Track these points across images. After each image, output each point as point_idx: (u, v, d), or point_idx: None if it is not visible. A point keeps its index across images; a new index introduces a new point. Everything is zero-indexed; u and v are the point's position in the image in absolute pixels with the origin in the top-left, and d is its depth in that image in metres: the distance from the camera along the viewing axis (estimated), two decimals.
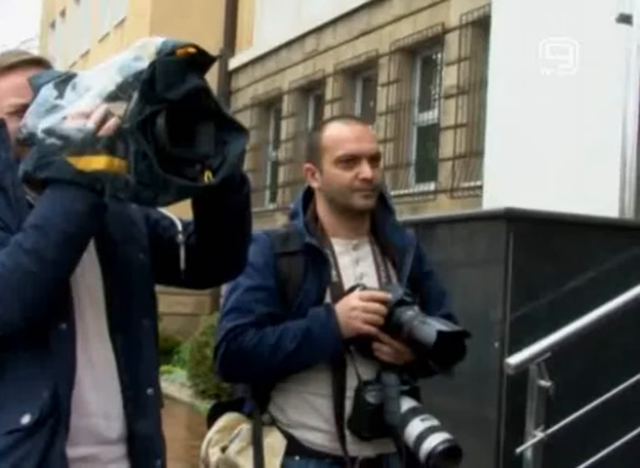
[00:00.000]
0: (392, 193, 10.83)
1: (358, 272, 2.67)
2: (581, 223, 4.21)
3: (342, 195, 2.65)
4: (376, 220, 2.75)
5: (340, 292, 2.61)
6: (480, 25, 9.94)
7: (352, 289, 2.60)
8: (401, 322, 2.51)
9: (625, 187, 4.91)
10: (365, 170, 2.62)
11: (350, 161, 2.62)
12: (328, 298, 2.61)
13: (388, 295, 2.56)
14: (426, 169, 11.38)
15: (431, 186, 10.89)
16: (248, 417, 2.66)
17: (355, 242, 2.70)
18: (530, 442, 3.54)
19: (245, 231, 2.10)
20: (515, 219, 4.00)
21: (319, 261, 2.62)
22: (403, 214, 9.13)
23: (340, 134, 2.66)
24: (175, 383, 12.77)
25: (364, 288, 2.60)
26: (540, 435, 3.53)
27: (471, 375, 3.68)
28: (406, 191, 11.25)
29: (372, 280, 2.66)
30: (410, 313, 2.52)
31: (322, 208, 2.72)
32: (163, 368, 13.43)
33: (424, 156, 11.66)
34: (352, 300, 2.55)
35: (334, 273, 2.63)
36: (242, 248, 2.13)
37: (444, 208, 10.22)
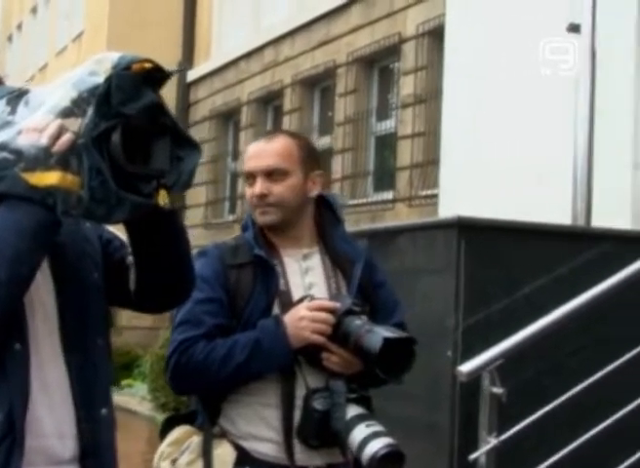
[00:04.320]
0: (351, 202, 10.88)
1: (307, 282, 2.68)
2: (531, 230, 4.25)
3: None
4: (324, 231, 2.76)
5: (288, 301, 2.62)
6: (436, 35, 10.00)
7: (301, 300, 2.61)
8: (348, 331, 2.52)
9: (577, 195, 4.97)
10: (256, 186, 2.68)
11: (250, 178, 2.70)
12: (276, 308, 2.62)
13: (337, 305, 2.57)
14: (384, 178, 11.42)
15: (389, 195, 10.93)
16: (199, 430, 2.66)
17: (305, 252, 2.71)
18: (483, 448, 3.55)
19: (181, 253, 2.05)
20: (466, 227, 4.03)
21: (267, 272, 2.63)
22: (361, 224, 9.18)
23: (247, 151, 2.76)
24: (135, 397, 12.67)
25: (312, 298, 2.60)
26: (492, 441, 3.54)
27: (424, 383, 3.70)
28: (364, 200, 11.29)
29: (321, 290, 2.67)
30: (357, 322, 2.53)
31: None
32: (123, 381, 13.34)
33: (382, 165, 11.70)
34: (300, 310, 2.56)
35: (282, 282, 2.64)
36: (183, 270, 2.07)
37: (402, 216, 10.26)
